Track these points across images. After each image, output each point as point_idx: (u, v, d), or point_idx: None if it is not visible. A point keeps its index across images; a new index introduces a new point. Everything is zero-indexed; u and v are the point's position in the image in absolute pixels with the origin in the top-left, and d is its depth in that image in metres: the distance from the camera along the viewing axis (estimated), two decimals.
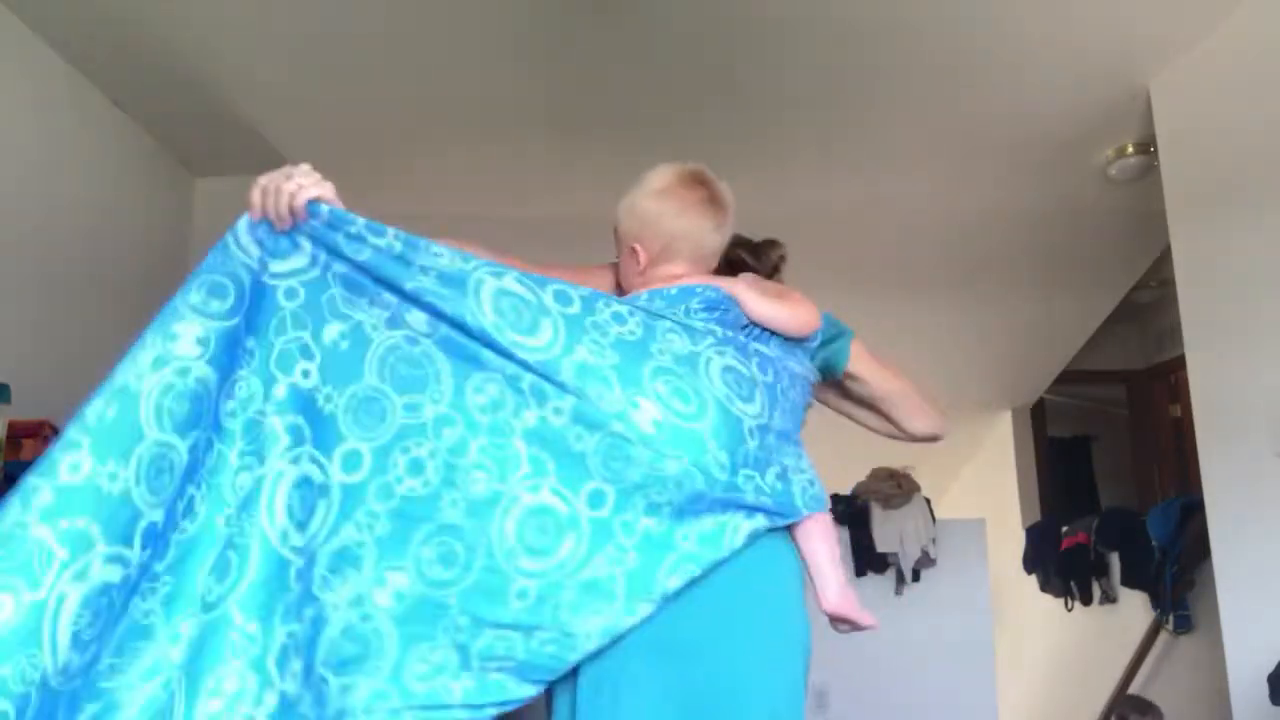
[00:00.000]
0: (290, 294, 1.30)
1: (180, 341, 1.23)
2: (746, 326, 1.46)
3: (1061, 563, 5.02)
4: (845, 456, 3.74)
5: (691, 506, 1.28)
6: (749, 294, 1.46)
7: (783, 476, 1.36)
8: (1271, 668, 2.46)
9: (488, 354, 1.26)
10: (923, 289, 4.60)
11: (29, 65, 2.93)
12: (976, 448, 6.51)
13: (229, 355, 1.27)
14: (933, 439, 1.63)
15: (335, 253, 1.28)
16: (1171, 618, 4.16)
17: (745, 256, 1.67)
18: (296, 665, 1.23)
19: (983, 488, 6.55)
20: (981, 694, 4.22)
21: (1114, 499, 5.69)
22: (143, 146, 3.55)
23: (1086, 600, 4.90)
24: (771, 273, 1.67)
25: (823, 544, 1.41)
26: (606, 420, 1.25)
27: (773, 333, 1.47)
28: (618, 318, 1.33)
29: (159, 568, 1.23)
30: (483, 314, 1.25)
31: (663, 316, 1.38)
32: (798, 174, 3.74)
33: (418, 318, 1.27)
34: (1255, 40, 2.78)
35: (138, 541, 1.19)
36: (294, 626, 1.24)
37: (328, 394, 1.27)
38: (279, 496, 1.27)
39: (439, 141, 3.62)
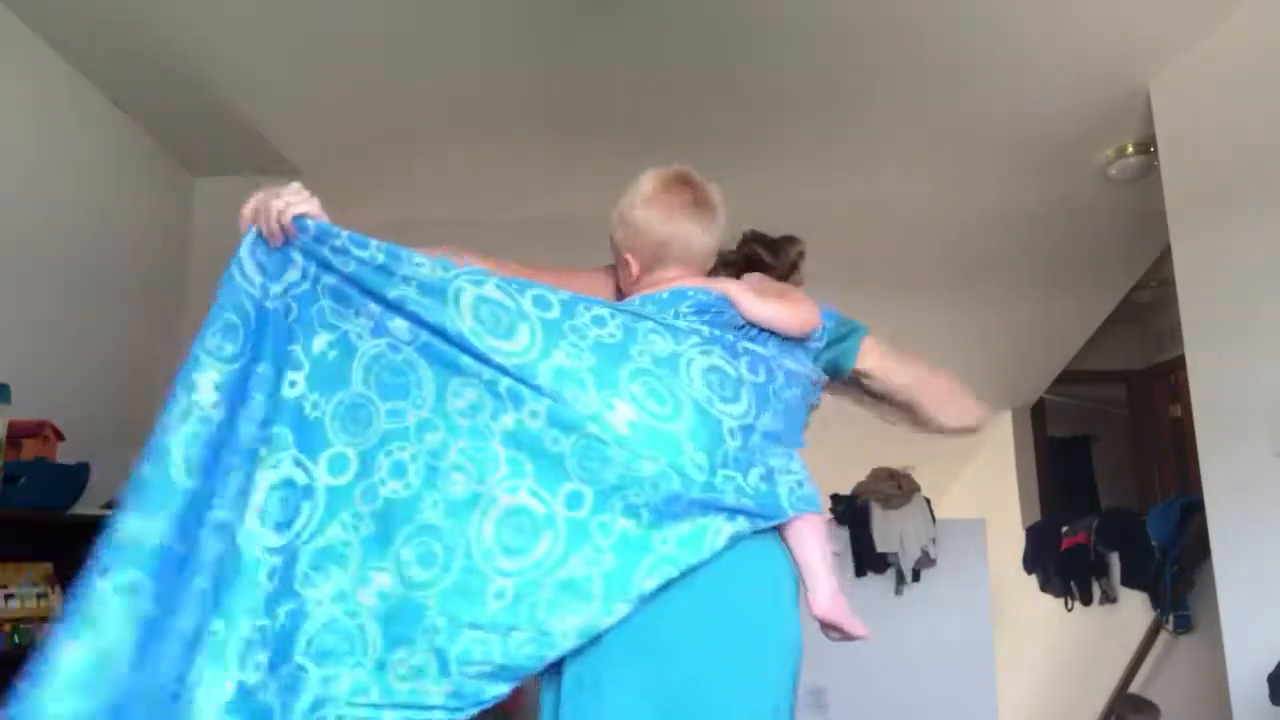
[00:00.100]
0: (288, 311, 1.35)
1: (200, 391, 1.32)
2: (743, 327, 1.45)
3: (1061, 563, 5.02)
4: (845, 456, 3.75)
5: (669, 509, 1.28)
6: (744, 295, 1.46)
7: (767, 477, 1.36)
8: (1271, 668, 2.46)
9: (466, 359, 1.29)
10: (923, 289, 4.61)
11: (29, 65, 2.93)
12: (976, 448, 6.51)
13: (241, 393, 1.33)
14: (969, 431, 1.59)
15: (324, 265, 1.33)
16: (1171, 618, 4.16)
17: (762, 253, 1.66)
18: (261, 657, 1.26)
19: (983, 488, 6.55)
20: (981, 694, 4.22)
21: (1114, 499, 5.69)
22: (143, 146, 3.55)
23: (1086, 600, 4.90)
24: (790, 270, 1.66)
25: (815, 547, 1.40)
26: (582, 422, 1.27)
27: (772, 332, 1.47)
28: (598, 321, 1.35)
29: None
30: (461, 321, 1.29)
31: (646, 318, 1.39)
32: (798, 174, 3.75)
33: (400, 325, 1.31)
34: (1255, 40, 2.78)
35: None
36: (263, 622, 1.27)
37: (314, 401, 1.32)
38: (256, 498, 1.30)
39: (439, 142, 3.62)
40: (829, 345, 1.53)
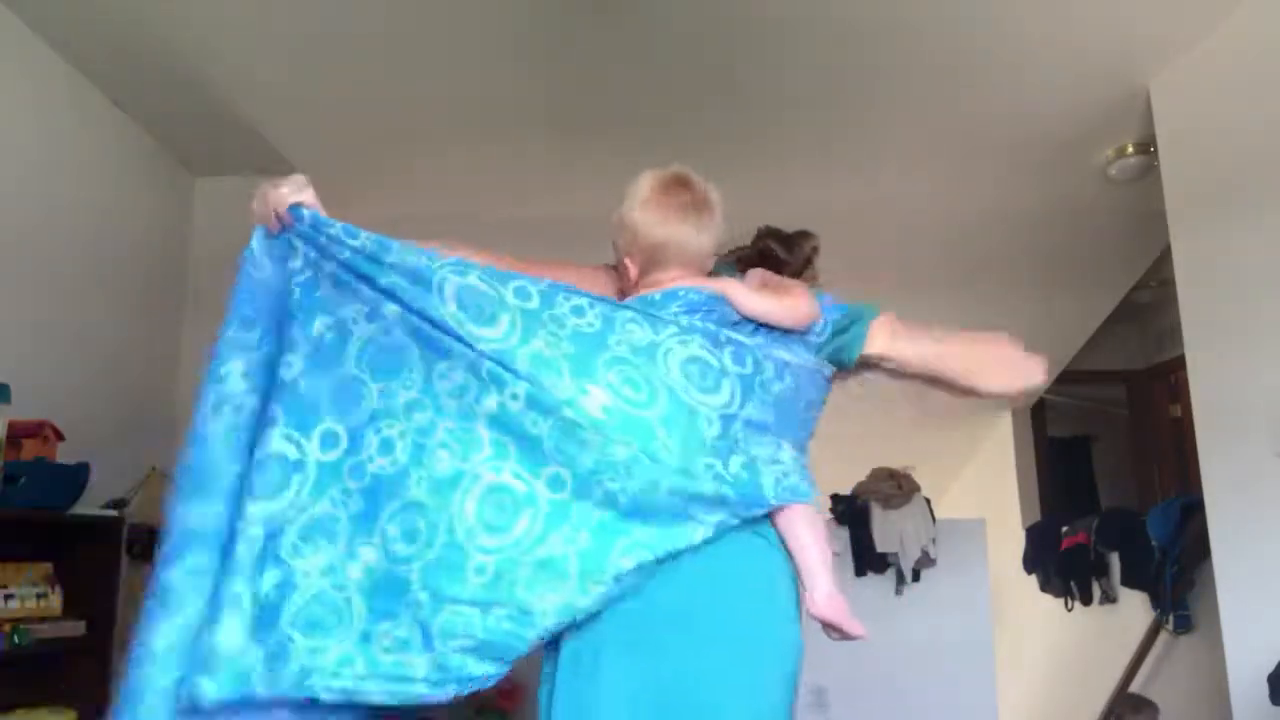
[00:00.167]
0: (290, 296, 1.41)
1: (230, 381, 1.39)
2: (738, 323, 1.46)
3: (1061, 563, 5.02)
4: (845, 456, 3.74)
5: (646, 495, 1.30)
6: (739, 291, 1.47)
7: (750, 466, 1.37)
8: (1271, 668, 2.46)
9: (451, 343, 1.34)
10: (923, 289, 4.59)
11: (29, 65, 2.93)
12: (976, 448, 6.51)
13: (268, 377, 1.40)
14: (1010, 394, 1.53)
15: (322, 253, 1.40)
16: (1171, 618, 4.16)
17: (776, 249, 1.66)
18: (245, 622, 1.31)
19: (983, 488, 6.55)
20: (981, 694, 4.21)
21: (1114, 499, 5.69)
22: (143, 146, 3.55)
23: (1086, 600, 4.90)
24: (804, 265, 1.66)
25: (813, 546, 1.40)
26: (558, 406, 1.31)
27: (771, 326, 1.47)
28: (577, 310, 1.39)
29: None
30: (445, 307, 1.34)
31: (625, 309, 1.42)
32: (798, 174, 3.75)
33: (392, 310, 1.36)
34: (1255, 40, 2.78)
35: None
36: (252, 589, 1.32)
37: (310, 382, 1.37)
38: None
39: (439, 141, 3.62)
40: (833, 337, 1.52)
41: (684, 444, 1.32)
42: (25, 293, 2.88)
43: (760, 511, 1.38)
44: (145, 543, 2.95)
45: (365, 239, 1.38)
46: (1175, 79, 3.09)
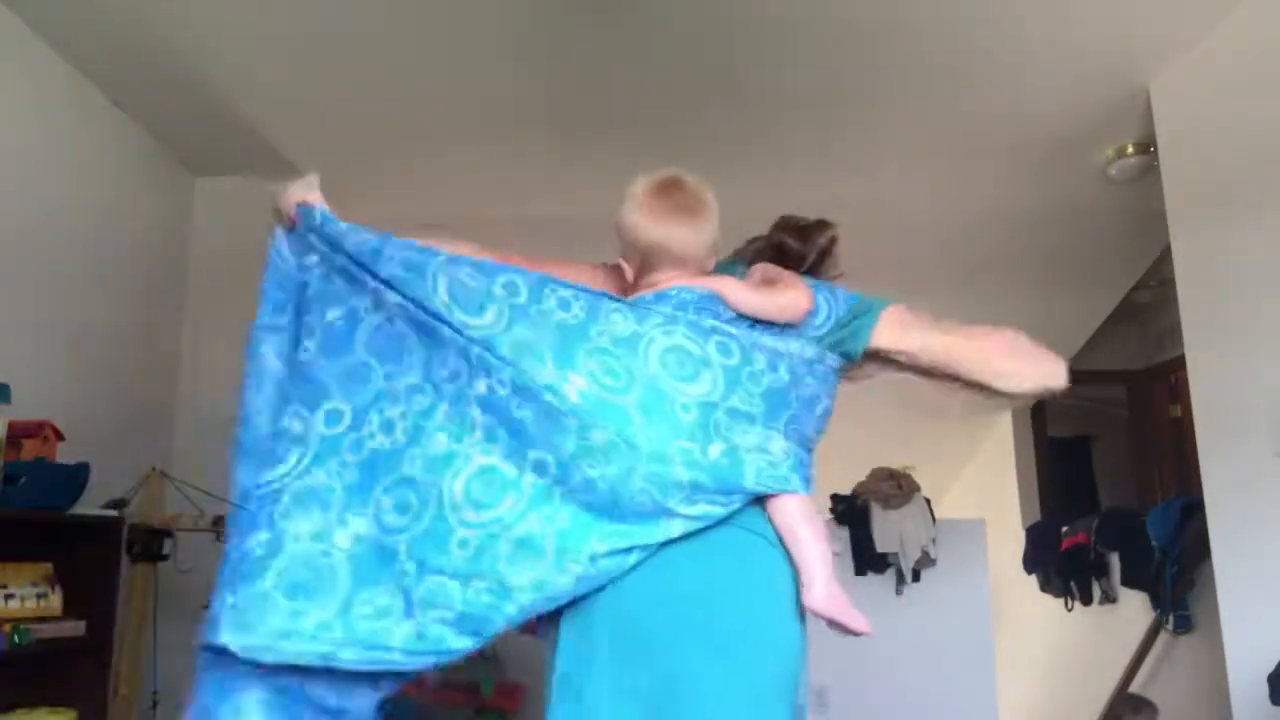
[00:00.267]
0: (308, 286, 1.48)
1: (267, 360, 1.46)
2: (734, 319, 1.47)
3: (1061, 563, 5.02)
4: (845, 456, 3.74)
5: (623, 482, 1.34)
6: (730, 289, 1.48)
7: (730, 453, 1.38)
8: (1271, 668, 2.46)
9: (445, 330, 1.40)
10: (923, 289, 4.56)
11: (29, 65, 2.93)
12: (976, 448, 6.52)
13: (292, 357, 1.48)
14: (1041, 394, 1.48)
15: (334, 246, 1.46)
16: (1171, 618, 4.16)
17: (790, 240, 1.66)
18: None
19: (983, 488, 6.56)
20: (981, 694, 4.22)
21: (1114, 499, 5.68)
22: (143, 146, 3.55)
23: (1086, 600, 4.91)
24: (821, 256, 1.65)
25: (810, 540, 1.40)
26: (540, 391, 1.36)
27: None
28: (563, 304, 1.43)
29: None
30: (438, 296, 1.40)
31: (611, 300, 1.45)
32: (798, 174, 3.74)
33: (393, 300, 1.43)
34: (1255, 40, 2.78)
35: None
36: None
37: (322, 365, 1.44)
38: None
39: (439, 141, 3.63)
40: (836, 329, 1.51)
41: (659, 429, 1.35)
42: (25, 293, 2.88)
43: (740, 499, 1.39)
44: (145, 543, 2.95)
45: (368, 234, 1.45)
46: (1175, 79, 3.09)
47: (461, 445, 1.37)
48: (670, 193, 1.51)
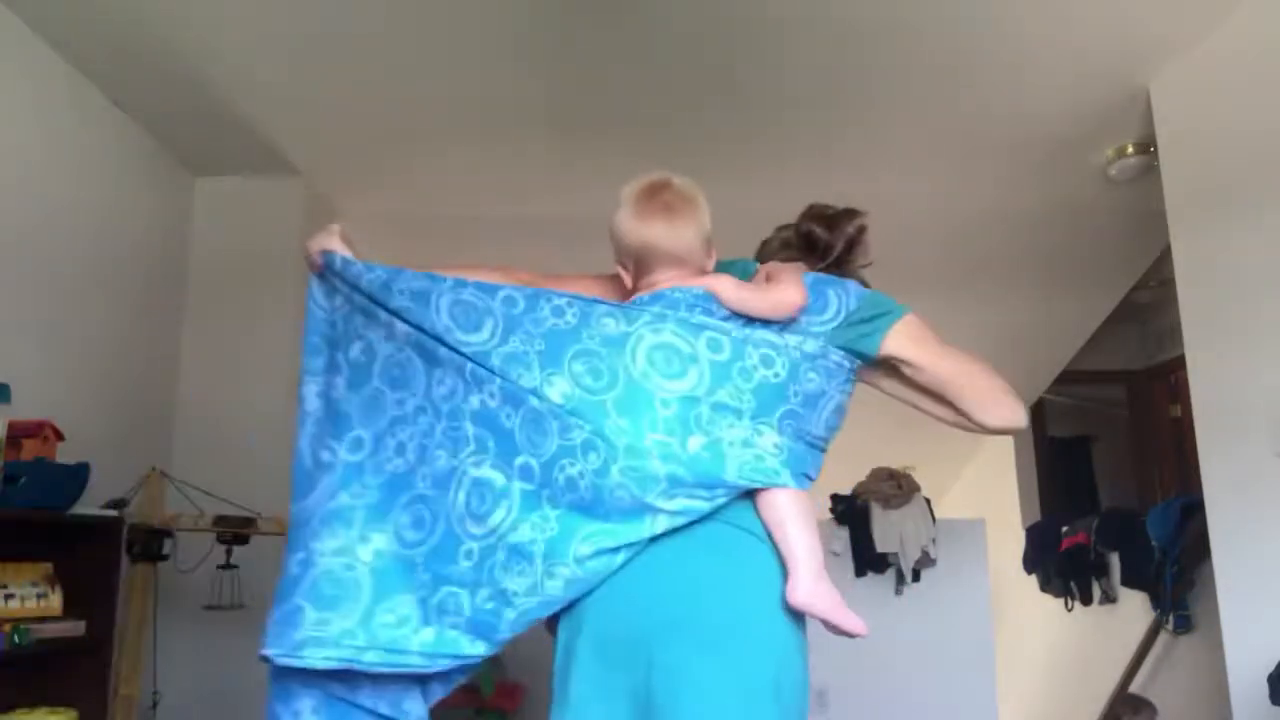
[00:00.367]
0: (336, 326, 1.59)
1: (308, 402, 1.58)
2: (730, 316, 1.47)
3: (1061, 563, 5.03)
4: (845, 456, 3.74)
5: (602, 479, 1.37)
6: (723, 287, 1.48)
7: (712, 447, 1.38)
8: (1271, 668, 2.46)
9: (443, 350, 1.47)
10: (923, 289, 4.56)
11: (29, 65, 2.93)
12: (976, 448, 6.51)
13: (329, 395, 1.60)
14: (1008, 432, 1.53)
15: (354, 287, 1.55)
16: (1171, 618, 4.17)
17: (818, 229, 1.66)
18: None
19: (983, 488, 6.56)
20: (981, 694, 4.22)
21: (1114, 499, 5.69)
22: (143, 146, 3.55)
23: (1086, 600, 4.91)
24: (849, 245, 1.65)
25: (797, 533, 1.39)
26: (525, 396, 1.41)
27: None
28: (556, 311, 1.48)
29: None
30: (439, 319, 1.47)
31: (604, 304, 1.48)
32: (798, 174, 3.74)
33: (401, 329, 1.51)
34: (1255, 40, 2.78)
35: None
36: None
37: (348, 397, 1.55)
38: None
39: (439, 141, 3.62)
40: (846, 325, 1.49)
41: (635, 424, 1.37)
42: (25, 293, 2.88)
43: (724, 494, 1.39)
44: (145, 543, 2.95)
45: (380, 271, 1.53)
46: (1175, 79, 3.09)
47: (458, 460, 1.45)
48: (657, 193, 1.51)
